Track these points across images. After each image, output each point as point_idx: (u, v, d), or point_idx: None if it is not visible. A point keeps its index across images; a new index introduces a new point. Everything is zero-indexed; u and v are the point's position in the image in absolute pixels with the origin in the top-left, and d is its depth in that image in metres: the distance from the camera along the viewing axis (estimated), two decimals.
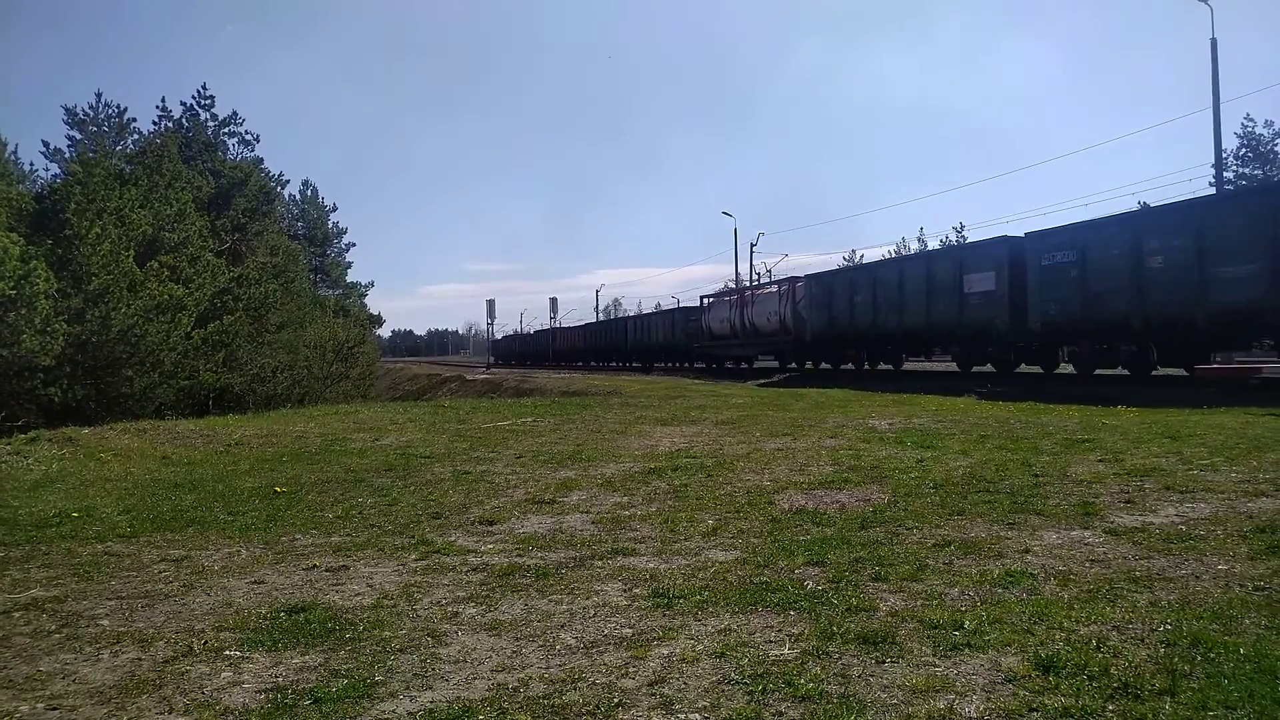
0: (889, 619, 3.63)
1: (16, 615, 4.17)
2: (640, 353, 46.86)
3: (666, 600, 4.02)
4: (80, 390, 18.18)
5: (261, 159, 39.25)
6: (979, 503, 5.88)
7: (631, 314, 59.85)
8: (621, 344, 50.20)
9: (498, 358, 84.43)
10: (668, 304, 61.87)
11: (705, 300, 38.63)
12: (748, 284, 47.32)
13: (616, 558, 4.89)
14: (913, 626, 3.52)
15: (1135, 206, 19.39)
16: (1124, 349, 17.83)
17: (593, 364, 54.20)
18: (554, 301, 74.91)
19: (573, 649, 3.48)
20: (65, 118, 36.10)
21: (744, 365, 36.34)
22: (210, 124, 37.28)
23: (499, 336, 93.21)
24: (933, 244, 67.80)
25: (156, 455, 10.36)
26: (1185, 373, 16.93)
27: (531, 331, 79.78)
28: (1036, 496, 5.98)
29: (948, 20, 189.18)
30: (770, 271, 62.64)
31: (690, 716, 2.82)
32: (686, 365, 40.94)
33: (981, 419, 11.09)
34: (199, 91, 37.00)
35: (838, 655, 3.26)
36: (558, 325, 71.49)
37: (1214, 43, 26.93)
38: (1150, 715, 2.66)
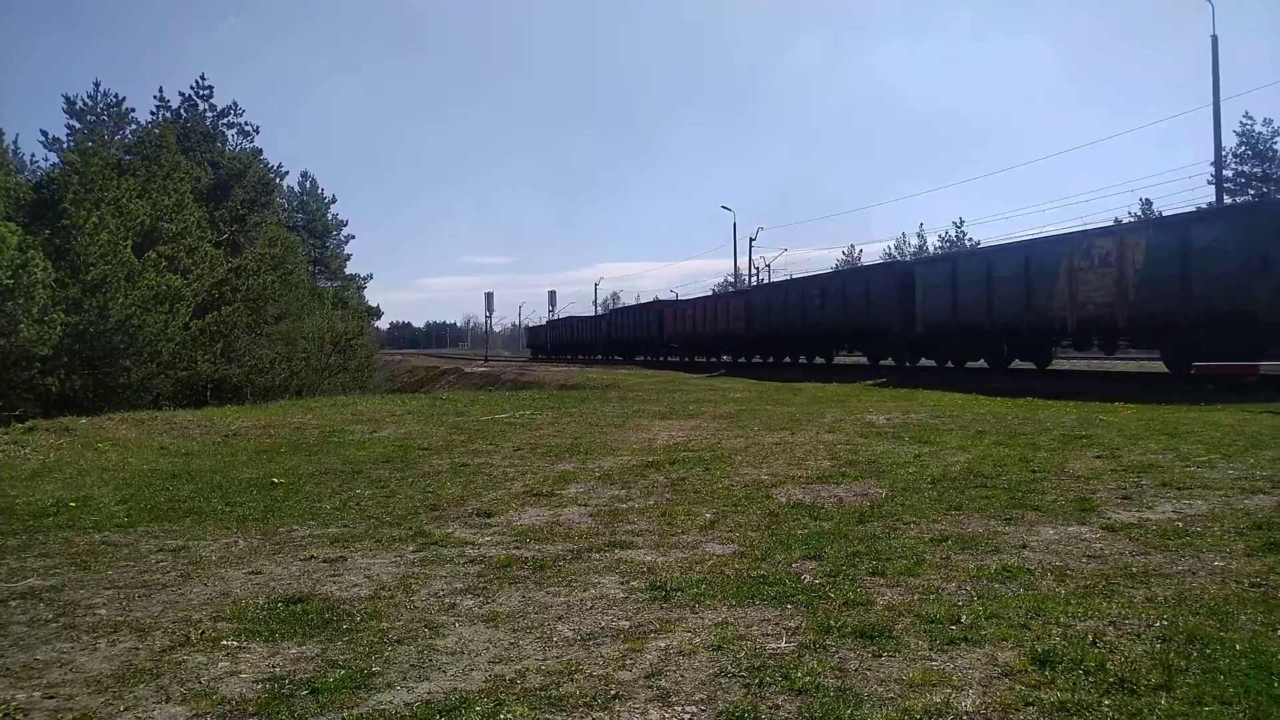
0: (886, 613, 3.64)
1: (13, 604, 4.16)
2: (973, 340, 20.62)
3: (664, 593, 4.03)
4: (78, 380, 18.17)
5: (260, 150, 38.88)
6: (976, 498, 5.89)
7: (938, 252, 30.99)
8: (913, 320, 22.05)
9: (537, 351, 65.94)
10: (665, 298, 49.56)
11: None
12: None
13: (614, 550, 4.89)
14: (909, 621, 3.53)
15: (1136, 202, 19.40)
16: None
17: (755, 360, 31.65)
18: (552, 295, 68.95)
19: (570, 641, 3.48)
20: (64, 107, 35.86)
21: None
22: (209, 115, 36.94)
23: (542, 322, 73.40)
24: (931, 240, 66.23)
25: (154, 445, 10.35)
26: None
27: (603, 311, 55.83)
28: (1034, 492, 5.99)
29: (948, 17, 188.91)
30: (769, 267, 60.63)
31: (687, 709, 2.82)
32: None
33: (979, 415, 11.10)
34: (198, 82, 36.65)
35: (834, 649, 3.26)
36: (676, 298, 45.73)
37: (1215, 40, 26.92)
38: (1146, 710, 2.67)
